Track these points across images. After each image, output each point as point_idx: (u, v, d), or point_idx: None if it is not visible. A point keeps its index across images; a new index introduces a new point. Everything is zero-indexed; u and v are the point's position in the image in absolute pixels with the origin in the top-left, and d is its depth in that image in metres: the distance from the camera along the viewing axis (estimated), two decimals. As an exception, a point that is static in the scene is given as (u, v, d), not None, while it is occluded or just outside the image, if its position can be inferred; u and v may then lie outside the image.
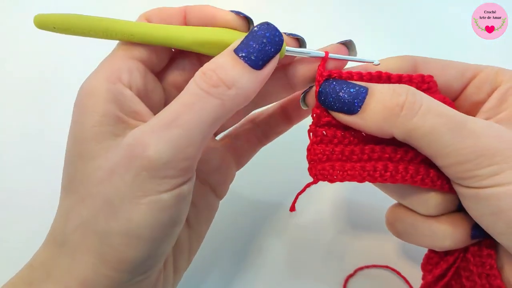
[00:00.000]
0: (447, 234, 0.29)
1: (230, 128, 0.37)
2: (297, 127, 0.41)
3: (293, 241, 0.42)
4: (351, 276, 0.40)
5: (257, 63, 0.26)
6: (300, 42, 0.30)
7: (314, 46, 0.33)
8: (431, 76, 0.30)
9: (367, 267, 0.40)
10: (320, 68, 0.30)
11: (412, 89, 0.27)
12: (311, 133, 0.30)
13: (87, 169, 0.25)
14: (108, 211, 0.24)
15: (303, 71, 0.31)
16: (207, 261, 0.41)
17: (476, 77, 0.30)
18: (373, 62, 0.30)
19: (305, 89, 0.31)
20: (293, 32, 0.30)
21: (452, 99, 0.32)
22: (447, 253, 0.30)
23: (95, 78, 0.27)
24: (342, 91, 0.28)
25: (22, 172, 0.46)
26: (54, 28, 0.26)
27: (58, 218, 0.26)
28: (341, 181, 0.29)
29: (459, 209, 0.29)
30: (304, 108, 0.31)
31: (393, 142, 0.28)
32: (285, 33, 0.29)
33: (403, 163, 0.29)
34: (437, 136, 0.25)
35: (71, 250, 0.25)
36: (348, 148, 0.29)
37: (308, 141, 0.31)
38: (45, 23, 0.26)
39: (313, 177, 0.29)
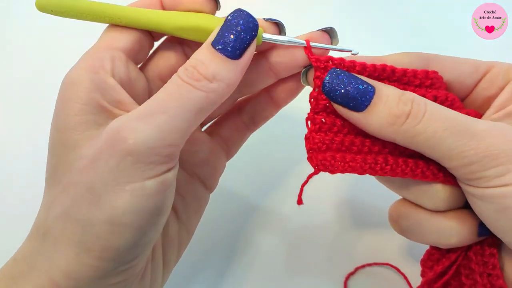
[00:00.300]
0: (454, 231, 0.29)
1: (216, 118, 0.37)
2: (295, 122, 0.41)
3: (293, 239, 0.42)
4: (351, 274, 0.40)
5: (234, 53, 0.26)
6: (279, 27, 0.30)
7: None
8: (435, 72, 0.30)
9: (368, 265, 0.40)
10: (311, 55, 0.29)
11: (417, 98, 0.27)
12: (309, 121, 0.29)
13: (69, 159, 0.25)
14: (90, 199, 0.24)
15: (286, 59, 0.31)
16: (207, 259, 0.41)
17: (489, 72, 0.31)
18: (351, 51, 0.29)
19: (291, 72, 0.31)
20: (273, 18, 0.30)
21: (465, 94, 0.32)
22: (449, 250, 0.30)
23: (77, 68, 0.27)
24: (351, 85, 0.27)
25: (22, 173, 0.47)
26: (52, 11, 0.28)
27: (41, 209, 0.26)
28: (342, 172, 0.28)
29: (466, 205, 0.29)
30: (304, 84, 0.31)
31: None
32: (263, 18, 0.29)
33: (403, 156, 0.29)
34: (440, 140, 0.26)
35: (53, 241, 0.25)
36: (348, 138, 0.29)
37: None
38: (44, 6, 0.28)
39: (314, 167, 0.29)
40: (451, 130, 0.26)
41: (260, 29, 0.28)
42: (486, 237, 0.28)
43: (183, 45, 0.32)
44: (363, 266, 0.40)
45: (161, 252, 0.31)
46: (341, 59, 0.28)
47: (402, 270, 0.39)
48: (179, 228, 0.32)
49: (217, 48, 0.26)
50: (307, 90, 0.31)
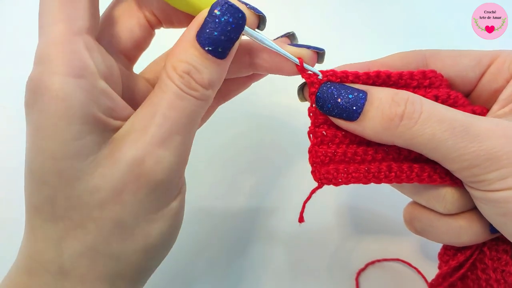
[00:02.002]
0: (464, 231, 0.29)
1: None
2: (297, 133, 0.41)
3: (300, 241, 0.42)
4: (362, 270, 0.40)
5: (223, 54, 0.25)
6: (260, 19, 0.27)
7: (313, 42, 0.32)
8: (433, 71, 0.29)
9: (378, 261, 0.40)
10: (303, 74, 0.28)
11: (412, 97, 0.26)
12: (311, 135, 0.29)
13: (76, 192, 0.22)
14: (121, 233, 0.24)
15: (269, 64, 0.29)
16: (212, 268, 0.41)
17: (493, 63, 0.29)
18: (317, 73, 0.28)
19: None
20: (257, 9, 0.27)
21: (469, 89, 0.31)
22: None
23: (54, 73, 0.21)
24: (341, 97, 0.27)
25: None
26: None
27: (45, 246, 0.24)
28: (346, 184, 0.28)
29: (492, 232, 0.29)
30: (301, 101, 0.31)
31: None
32: (246, 5, 0.27)
33: (407, 162, 0.29)
34: (440, 143, 0.25)
35: (79, 278, 0.24)
36: (351, 149, 0.29)
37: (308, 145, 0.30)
38: None
39: (318, 182, 0.28)
40: (451, 132, 0.25)
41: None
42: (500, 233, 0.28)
43: (145, 12, 0.29)
44: (373, 262, 0.40)
45: None
46: (333, 71, 0.28)
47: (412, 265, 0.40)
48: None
49: (206, 49, 0.24)
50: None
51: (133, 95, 0.28)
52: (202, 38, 0.24)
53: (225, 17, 0.24)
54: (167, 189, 0.24)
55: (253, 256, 0.41)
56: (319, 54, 0.29)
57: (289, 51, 0.28)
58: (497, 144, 0.24)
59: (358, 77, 0.28)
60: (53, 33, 0.22)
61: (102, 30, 0.27)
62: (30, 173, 0.23)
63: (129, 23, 0.28)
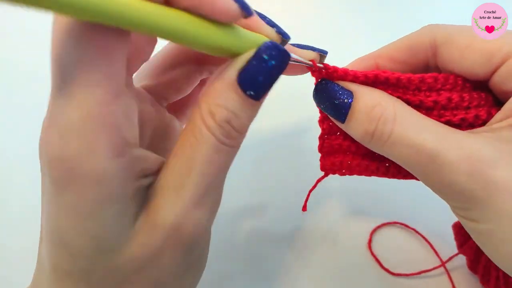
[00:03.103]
0: None
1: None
2: (300, 131, 0.41)
3: (301, 238, 0.42)
4: (377, 228, 0.41)
5: (260, 96, 0.23)
6: (282, 40, 0.27)
7: (313, 42, 0.33)
8: (433, 76, 0.29)
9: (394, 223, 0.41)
10: (314, 74, 0.29)
11: (386, 115, 0.26)
12: (320, 123, 0.32)
13: (114, 263, 0.22)
14: None
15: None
16: (219, 266, 0.41)
17: (504, 63, 0.27)
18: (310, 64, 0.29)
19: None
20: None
21: (482, 80, 0.29)
22: None
23: (95, 154, 0.19)
24: (329, 101, 0.28)
25: (23, 174, 0.46)
26: None
27: None
28: (350, 174, 0.31)
29: None
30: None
31: None
32: (275, 27, 0.26)
33: None
34: (408, 167, 0.26)
35: None
36: (355, 143, 0.31)
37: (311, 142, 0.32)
38: None
39: (323, 171, 0.31)
40: (417, 159, 0.25)
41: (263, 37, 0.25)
42: None
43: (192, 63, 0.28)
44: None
45: None
46: (335, 68, 0.28)
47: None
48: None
49: (248, 93, 0.22)
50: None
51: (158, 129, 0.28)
52: (245, 82, 0.22)
53: (273, 62, 0.23)
54: (201, 247, 0.24)
55: (254, 256, 0.41)
56: (322, 57, 0.31)
57: (301, 55, 0.29)
58: (459, 181, 0.24)
59: (356, 77, 0.29)
60: (90, 99, 0.18)
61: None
62: (61, 245, 0.22)
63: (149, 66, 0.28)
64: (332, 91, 0.28)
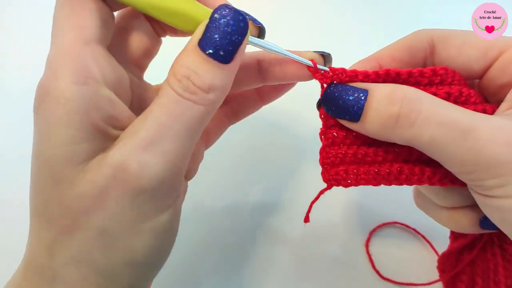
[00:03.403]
0: (457, 223, 0.30)
1: None
2: (303, 133, 0.41)
3: (304, 241, 0.42)
4: (376, 229, 0.41)
5: (226, 58, 0.25)
6: (260, 30, 0.29)
7: (313, 46, 0.32)
8: (444, 68, 0.29)
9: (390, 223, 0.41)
10: (317, 75, 0.29)
11: (409, 95, 0.26)
12: (322, 136, 0.30)
13: (67, 197, 0.23)
14: (105, 243, 0.23)
15: (276, 69, 0.31)
16: (215, 268, 0.41)
17: (500, 57, 0.29)
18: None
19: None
20: (257, 20, 0.29)
21: (476, 77, 0.31)
22: None
23: (58, 79, 0.22)
24: (342, 99, 0.28)
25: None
26: None
27: (39, 250, 0.24)
28: (356, 185, 0.29)
29: (482, 226, 0.30)
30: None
31: None
32: (246, 15, 0.27)
33: (420, 164, 0.28)
34: (439, 147, 0.25)
35: (65, 286, 0.24)
36: (361, 150, 0.29)
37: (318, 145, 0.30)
38: None
39: (326, 183, 0.29)
40: (451, 136, 0.25)
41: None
42: (493, 231, 0.29)
43: (151, 21, 0.29)
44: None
45: None
46: (343, 70, 0.28)
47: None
48: None
49: (207, 52, 0.24)
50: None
51: (144, 105, 0.28)
52: (203, 43, 0.24)
53: (225, 20, 0.24)
54: (154, 199, 0.23)
55: (256, 256, 0.41)
56: (326, 58, 0.31)
57: (299, 55, 0.29)
58: (497, 152, 0.24)
59: (367, 77, 0.28)
60: (63, 41, 0.23)
61: (115, 43, 0.27)
62: (31, 176, 0.24)
63: (137, 32, 0.29)
64: (343, 90, 0.28)
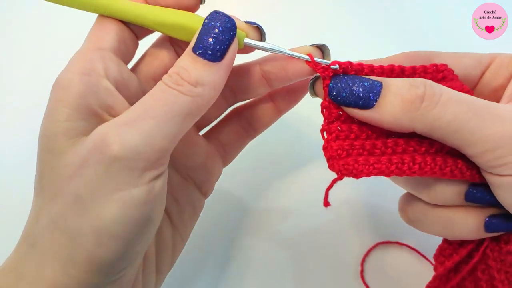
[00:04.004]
0: (457, 225, 0.28)
1: (215, 123, 0.36)
2: (302, 133, 0.41)
3: (301, 240, 0.42)
4: (371, 250, 0.40)
5: (215, 56, 0.26)
6: (260, 31, 0.30)
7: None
8: (445, 65, 0.29)
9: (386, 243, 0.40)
10: (316, 67, 0.28)
11: (429, 81, 0.26)
12: (324, 132, 0.28)
13: (56, 166, 0.24)
14: (77, 208, 0.23)
15: (276, 69, 0.31)
16: (203, 264, 0.41)
17: (492, 63, 0.30)
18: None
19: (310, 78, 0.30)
20: (255, 22, 0.30)
21: (471, 87, 0.31)
22: (461, 245, 0.30)
23: (68, 71, 0.26)
24: (356, 84, 0.27)
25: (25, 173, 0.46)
26: None
27: (30, 218, 0.25)
28: (368, 175, 0.27)
29: (467, 197, 0.28)
30: (312, 96, 0.31)
31: (415, 135, 0.27)
32: (245, 21, 0.29)
33: (430, 155, 0.28)
34: (462, 124, 0.25)
35: (41, 252, 0.24)
36: (369, 142, 0.28)
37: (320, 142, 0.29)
38: None
39: (337, 173, 0.28)
40: (473, 112, 0.25)
41: (241, 33, 0.28)
42: (500, 233, 0.28)
43: (175, 45, 0.32)
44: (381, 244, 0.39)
45: (154, 260, 0.30)
46: (349, 63, 0.28)
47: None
48: (173, 234, 0.32)
49: (197, 53, 0.26)
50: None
51: None
52: (195, 46, 0.26)
53: (213, 23, 0.26)
54: (127, 170, 0.23)
55: (254, 255, 0.41)
56: (323, 51, 0.30)
57: (295, 51, 0.29)
58: None
59: (372, 70, 0.28)
60: (82, 47, 0.28)
61: (140, 62, 0.31)
62: (37, 151, 0.26)
63: (160, 54, 0.31)
64: (356, 78, 0.27)
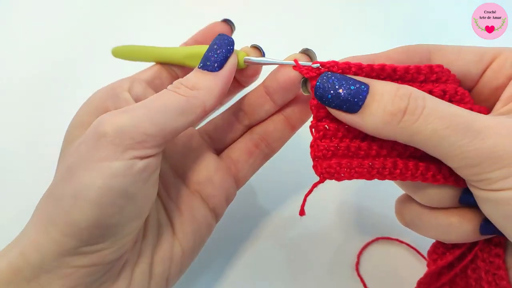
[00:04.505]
0: (453, 228, 0.28)
1: (230, 144, 0.37)
2: (305, 128, 0.41)
3: (298, 239, 0.42)
4: (368, 244, 0.40)
5: (213, 67, 0.30)
6: (260, 50, 0.33)
7: (312, 45, 0.32)
8: (440, 66, 0.28)
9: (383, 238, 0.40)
10: (301, 68, 0.28)
11: (415, 92, 0.26)
12: (313, 129, 0.28)
13: (68, 151, 0.29)
14: (67, 175, 0.26)
15: (272, 82, 0.33)
16: (206, 263, 0.41)
17: (495, 60, 0.29)
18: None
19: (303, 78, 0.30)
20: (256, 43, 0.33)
21: (471, 86, 0.30)
22: (454, 245, 0.30)
23: (103, 86, 0.32)
24: (342, 87, 0.26)
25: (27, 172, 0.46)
26: (117, 56, 0.39)
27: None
28: (349, 179, 0.27)
29: (461, 201, 0.28)
30: (306, 94, 0.30)
31: None
32: (251, 45, 0.33)
33: (414, 159, 0.28)
34: (441, 139, 0.25)
35: (33, 218, 0.27)
36: (354, 144, 0.28)
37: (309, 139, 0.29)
38: (116, 53, 0.39)
39: (319, 176, 0.28)
40: (453, 128, 0.24)
41: (242, 53, 0.32)
42: (493, 235, 0.28)
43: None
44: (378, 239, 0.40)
45: (148, 262, 0.30)
46: (335, 62, 0.27)
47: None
48: (173, 244, 0.32)
49: (199, 67, 0.31)
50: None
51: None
52: (199, 64, 0.31)
53: (214, 41, 0.31)
54: (113, 145, 0.26)
55: (251, 255, 0.41)
56: (309, 55, 0.31)
57: (285, 60, 0.31)
58: (501, 143, 0.24)
59: (361, 69, 0.27)
60: (125, 78, 0.34)
61: None
62: None
63: None
64: (342, 79, 0.27)
